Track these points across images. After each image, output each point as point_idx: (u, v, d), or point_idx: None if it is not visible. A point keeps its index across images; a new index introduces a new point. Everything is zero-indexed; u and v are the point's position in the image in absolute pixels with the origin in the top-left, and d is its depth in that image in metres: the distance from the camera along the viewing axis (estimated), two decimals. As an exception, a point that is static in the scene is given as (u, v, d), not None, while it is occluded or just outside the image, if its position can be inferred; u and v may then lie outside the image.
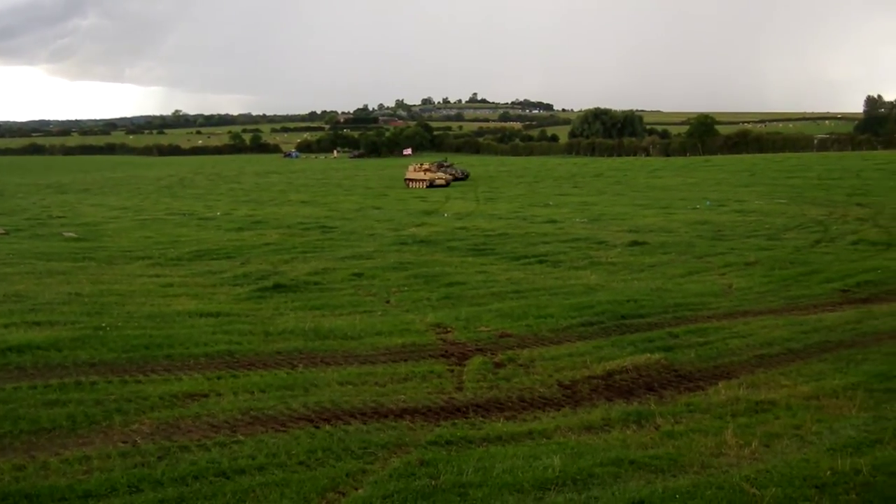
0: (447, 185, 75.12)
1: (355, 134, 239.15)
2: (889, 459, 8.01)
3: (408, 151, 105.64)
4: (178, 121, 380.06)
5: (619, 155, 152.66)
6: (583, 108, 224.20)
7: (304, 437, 8.87)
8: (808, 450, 8.47)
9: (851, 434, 8.89)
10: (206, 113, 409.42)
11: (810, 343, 13.56)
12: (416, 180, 76.50)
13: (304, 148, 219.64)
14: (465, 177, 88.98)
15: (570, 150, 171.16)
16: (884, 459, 8.01)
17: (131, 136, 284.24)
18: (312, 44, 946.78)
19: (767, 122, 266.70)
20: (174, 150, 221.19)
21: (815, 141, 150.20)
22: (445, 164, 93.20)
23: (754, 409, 9.99)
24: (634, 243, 27.33)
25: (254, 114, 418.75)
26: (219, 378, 11.16)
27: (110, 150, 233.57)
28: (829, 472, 7.68)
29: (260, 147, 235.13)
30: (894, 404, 10.00)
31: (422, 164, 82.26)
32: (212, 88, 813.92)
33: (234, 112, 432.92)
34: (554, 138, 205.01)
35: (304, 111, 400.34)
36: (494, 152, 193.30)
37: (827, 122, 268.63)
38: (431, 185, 74.19)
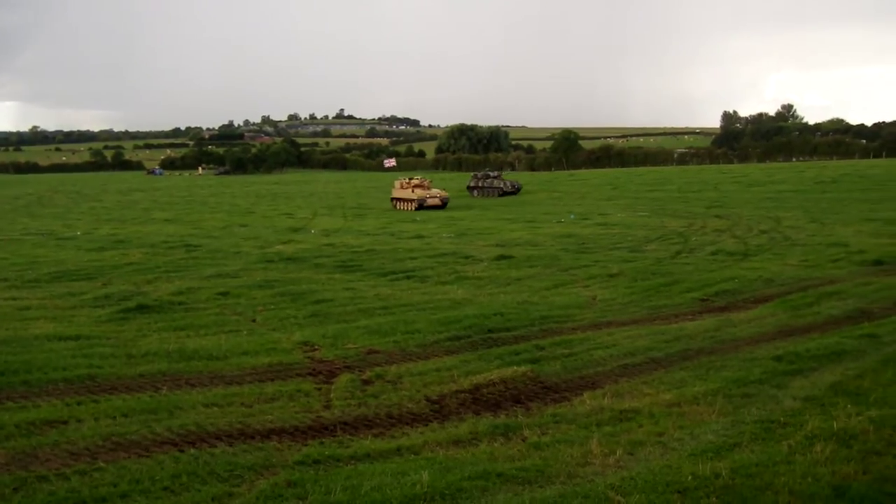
0: (443, 205, 63.50)
1: (221, 150, 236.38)
2: (747, 462, 8.21)
3: (390, 163, 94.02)
4: (36, 137, 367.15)
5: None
6: (449, 124, 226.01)
7: (168, 461, 8.63)
8: (671, 456, 8.63)
9: (711, 439, 9.09)
10: (66, 129, 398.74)
11: (672, 352, 13.83)
12: (403, 200, 64.45)
13: (168, 165, 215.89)
14: (516, 190, 79.03)
15: (437, 165, 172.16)
16: (742, 462, 8.21)
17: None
18: (176, 58, 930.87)
19: (629, 137, 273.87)
20: (32, 168, 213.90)
21: (675, 155, 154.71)
22: (492, 174, 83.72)
23: (619, 418, 10.13)
24: (501, 257, 27.60)
25: (116, 130, 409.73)
26: (79, 404, 10.77)
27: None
28: (690, 477, 7.82)
29: (122, 164, 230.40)
30: (751, 408, 10.27)
31: (410, 180, 66.90)
32: (71, 104, 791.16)
33: (95, 128, 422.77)
34: (421, 154, 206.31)
35: (168, 127, 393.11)
36: (362, 168, 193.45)
37: (686, 136, 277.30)
38: (421, 206, 61.86)
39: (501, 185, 78.55)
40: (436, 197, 63.78)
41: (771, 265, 24.97)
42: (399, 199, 64.89)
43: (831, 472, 7.92)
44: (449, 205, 63.82)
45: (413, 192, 63.48)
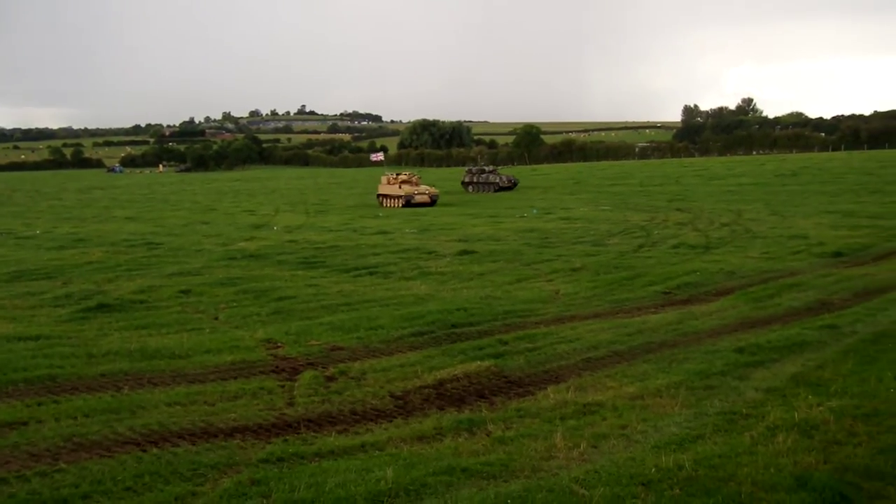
0: (432, 203, 59.15)
1: (182, 147, 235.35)
2: (710, 454, 8.25)
3: (378, 157, 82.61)
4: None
5: (448, 165, 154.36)
6: (411, 120, 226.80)
7: (130, 461, 8.53)
8: (634, 448, 8.65)
9: (674, 431, 9.13)
10: (24, 127, 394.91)
11: (635, 345, 13.88)
12: (389, 196, 60.07)
13: (129, 162, 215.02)
14: (512, 185, 75.67)
15: (400, 160, 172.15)
16: (705, 454, 8.25)
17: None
18: (135, 55, 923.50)
19: (591, 132, 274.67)
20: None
21: (637, 149, 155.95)
22: (488, 168, 79.84)
23: (582, 412, 10.14)
24: (464, 252, 27.59)
25: (75, 127, 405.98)
26: (39, 404, 10.63)
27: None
28: (654, 469, 7.85)
29: (82, 162, 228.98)
30: (714, 400, 10.32)
31: (397, 175, 62.24)
32: (30, 101, 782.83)
33: (55, 126, 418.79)
34: (383, 149, 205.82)
35: (128, 124, 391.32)
36: (324, 164, 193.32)
37: (648, 130, 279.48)
38: (409, 203, 57.79)
39: (497, 180, 75.69)
40: (424, 194, 59.59)
41: (732, 258, 25.14)
42: (385, 196, 60.86)
43: (793, 463, 7.98)
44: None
45: (400, 188, 59.37)
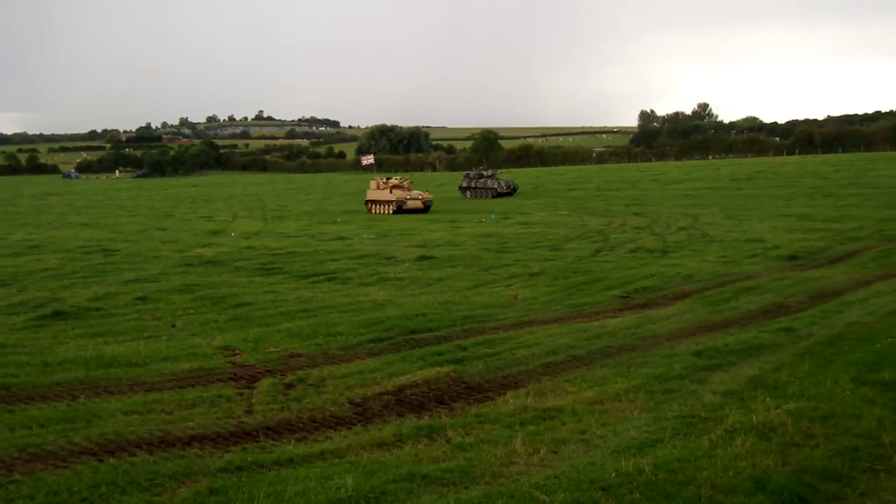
0: (426, 209, 56.50)
1: (138, 153, 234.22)
2: (669, 457, 8.27)
3: (368, 160, 78.23)
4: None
5: (406, 170, 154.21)
6: (369, 125, 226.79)
7: (87, 471, 8.40)
8: (594, 453, 8.65)
9: (634, 435, 9.14)
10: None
11: (594, 349, 13.89)
12: (379, 202, 57.30)
13: (85, 168, 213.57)
14: (512, 191, 73.63)
15: (358, 166, 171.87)
16: (664, 458, 8.26)
17: None
18: (91, 59, 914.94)
19: (549, 137, 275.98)
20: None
21: (594, 154, 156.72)
22: (486, 173, 77.36)
23: (542, 417, 10.12)
24: (422, 258, 27.56)
25: (30, 133, 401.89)
26: (-8, 414, 10.48)
27: None
28: (614, 474, 7.84)
29: (37, 168, 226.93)
30: (673, 404, 10.35)
31: (387, 180, 59.96)
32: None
33: (8, 131, 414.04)
34: (341, 155, 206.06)
35: (84, 130, 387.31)
36: (282, 170, 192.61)
37: (605, 135, 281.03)
38: (400, 209, 55.40)
39: (496, 186, 73.80)
40: (417, 199, 57.06)
41: (689, 262, 25.33)
42: (374, 202, 57.97)
43: (752, 465, 8.01)
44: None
45: (391, 192, 56.81)
